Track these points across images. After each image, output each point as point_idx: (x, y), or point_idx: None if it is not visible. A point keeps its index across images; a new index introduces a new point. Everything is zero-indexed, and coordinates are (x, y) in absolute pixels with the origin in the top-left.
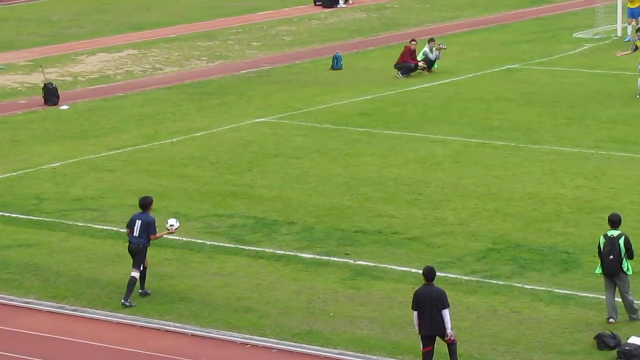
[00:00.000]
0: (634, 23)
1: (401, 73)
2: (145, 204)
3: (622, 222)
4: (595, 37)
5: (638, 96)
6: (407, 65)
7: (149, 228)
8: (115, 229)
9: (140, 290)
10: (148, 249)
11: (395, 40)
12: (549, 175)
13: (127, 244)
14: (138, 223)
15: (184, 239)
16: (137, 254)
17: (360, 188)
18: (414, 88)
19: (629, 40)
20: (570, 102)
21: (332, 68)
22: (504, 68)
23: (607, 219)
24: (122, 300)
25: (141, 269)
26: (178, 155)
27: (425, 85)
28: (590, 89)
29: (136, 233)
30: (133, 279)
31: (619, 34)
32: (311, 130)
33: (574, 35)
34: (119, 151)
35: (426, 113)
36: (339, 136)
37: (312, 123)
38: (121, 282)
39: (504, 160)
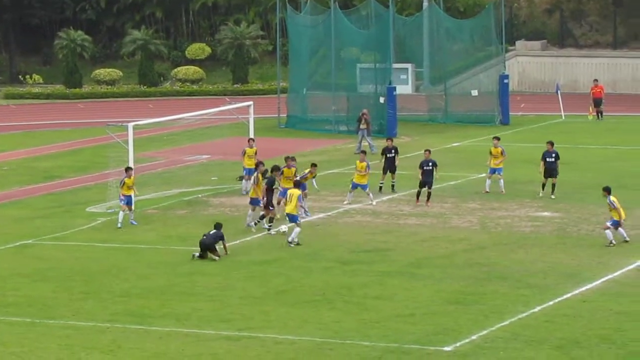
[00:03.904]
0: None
1: None
2: None
3: None
4: (108, 211)
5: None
6: None
7: None
8: None
9: None
10: None
11: None
12: (66, 350)
13: None
14: None
15: None
16: None
17: None
18: None
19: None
20: (85, 276)
21: None
22: (17, 244)
23: None
24: None
25: None
26: None
27: None
28: (105, 263)
29: None
30: None
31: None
32: None
33: (87, 209)
34: None
35: None
36: None
37: None
38: None
39: (19, 337)
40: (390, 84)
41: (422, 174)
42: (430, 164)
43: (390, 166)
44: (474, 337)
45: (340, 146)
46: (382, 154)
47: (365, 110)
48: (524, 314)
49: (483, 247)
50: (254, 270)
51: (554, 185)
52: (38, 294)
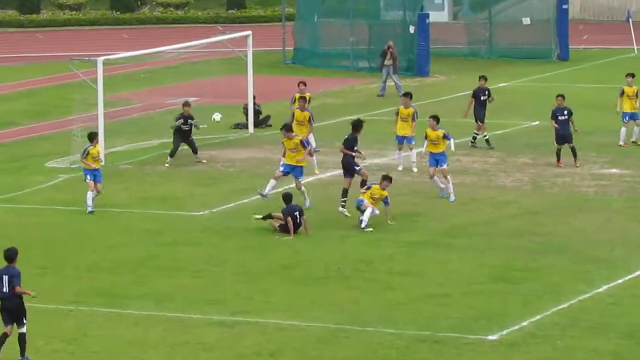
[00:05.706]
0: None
1: None
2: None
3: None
4: (72, 166)
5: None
6: None
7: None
8: None
9: None
10: None
11: None
12: None
13: None
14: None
15: None
16: None
17: None
18: None
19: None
20: (44, 246)
21: None
22: None
23: None
24: None
25: None
26: None
27: None
28: (68, 230)
29: None
30: None
31: None
32: None
33: (47, 164)
34: None
35: None
36: None
37: None
38: None
39: None
40: (421, 10)
41: (556, 125)
42: (565, 112)
43: (482, 112)
44: (524, 324)
45: (360, 87)
46: (473, 96)
47: (390, 43)
48: (586, 295)
49: (535, 212)
50: (251, 240)
51: None
52: None
